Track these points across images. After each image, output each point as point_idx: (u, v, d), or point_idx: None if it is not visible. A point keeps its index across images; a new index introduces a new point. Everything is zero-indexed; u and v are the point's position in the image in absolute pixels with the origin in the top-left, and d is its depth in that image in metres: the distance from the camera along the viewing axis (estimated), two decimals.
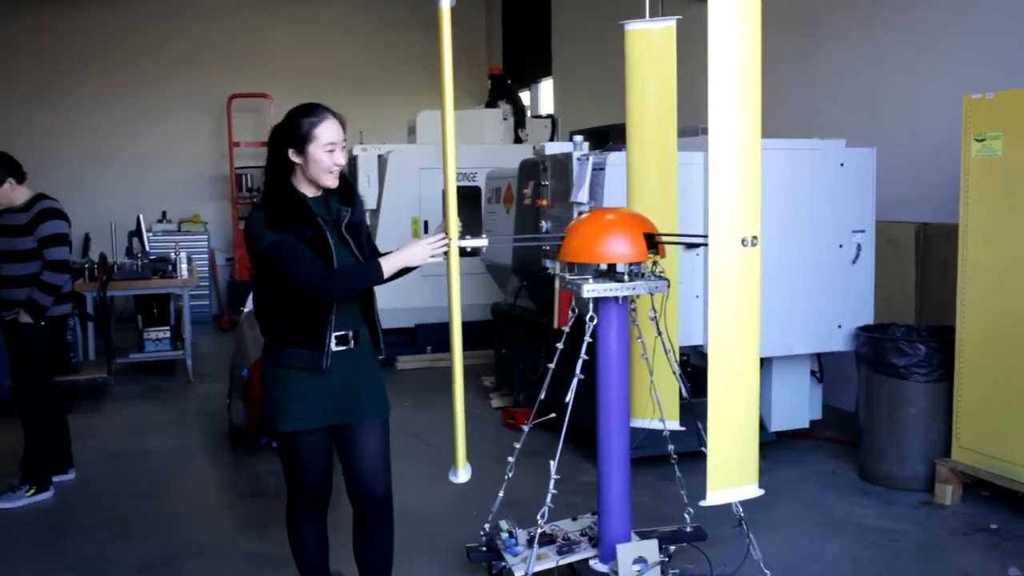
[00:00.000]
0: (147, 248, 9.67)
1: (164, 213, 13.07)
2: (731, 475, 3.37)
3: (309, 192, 3.44)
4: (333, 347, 3.40)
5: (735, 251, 3.26)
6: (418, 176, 9.45)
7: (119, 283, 8.81)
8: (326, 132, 3.36)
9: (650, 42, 4.22)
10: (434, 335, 9.32)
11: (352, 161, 9.46)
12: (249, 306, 7.61)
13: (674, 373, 3.99)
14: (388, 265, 3.39)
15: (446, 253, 3.43)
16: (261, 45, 13.74)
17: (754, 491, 3.44)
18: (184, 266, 9.22)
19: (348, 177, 3.54)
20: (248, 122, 13.51)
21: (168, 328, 9.20)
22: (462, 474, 3.66)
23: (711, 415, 3.29)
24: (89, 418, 7.59)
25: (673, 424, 4.25)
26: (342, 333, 3.45)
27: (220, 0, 13.67)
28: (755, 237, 3.28)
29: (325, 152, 3.36)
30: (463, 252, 3.49)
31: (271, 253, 3.30)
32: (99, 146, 13.20)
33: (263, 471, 6.18)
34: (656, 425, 4.18)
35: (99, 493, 5.79)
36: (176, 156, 13.56)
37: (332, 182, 3.43)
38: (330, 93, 14.03)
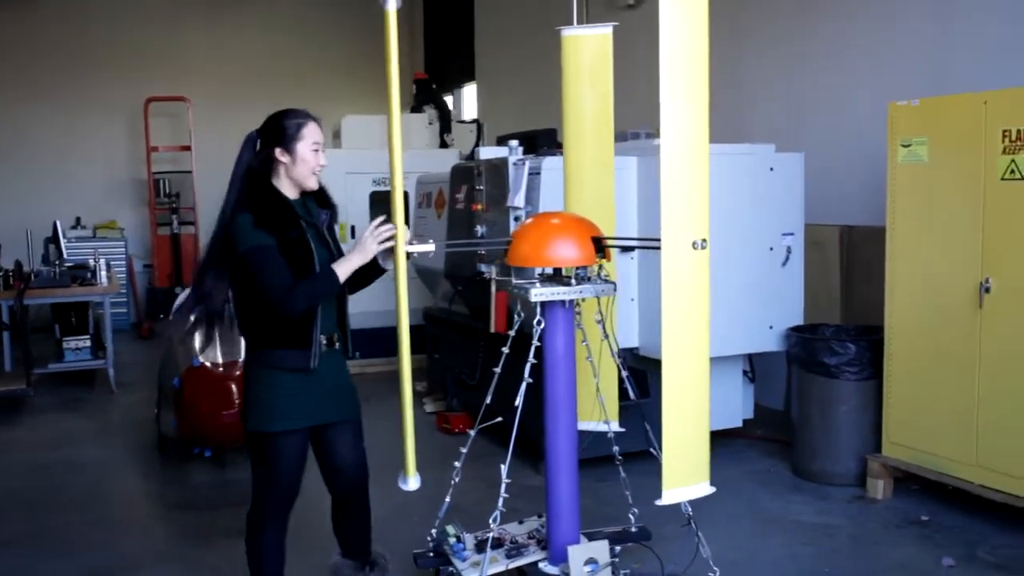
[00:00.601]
0: (64, 255, 9.40)
1: (79, 219, 12.72)
2: (684, 474, 3.40)
3: (290, 195, 3.53)
4: (322, 348, 3.50)
5: (687, 254, 3.30)
6: (344, 180, 9.35)
7: (37, 291, 8.55)
8: (312, 132, 3.51)
9: (586, 48, 4.24)
10: (362, 341, 9.20)
11: None
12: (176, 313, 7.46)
13: (621, 375, 4.02)
14: (343, 270, 3.42)
15: (393, 239, 3.42)
16: (180, 48, 13.48)
17: (707, 488, 3.49)
18: (104, 273, 9.00)
19: (322, 182, 3.64)
20: (166, 126, 13.25)
21: (88, 337, 8.95)
22: (412, 481, 3.63)
23: (666, 416, 3.32)
24: (8, 431, 7.36)
25: (616, 426, 4.28)
26: (327, 335, 3.55)
27: (137, 1, 13.37)
28: (704, 240, 3.33)
29: (311, 151, 3.49)
30: (409, 256, 3.49)
31: (251, 256, 3.35)
32: (11, 150, 12.80)
33: (195, 482, 6.06)
34: (601, 428, 4.21)
35: (22, 507, 5.62)
36: (92, 160, 13.21)
37: (314, 183, 3.54)
38: (251, 97, 13.94)
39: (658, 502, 3.36)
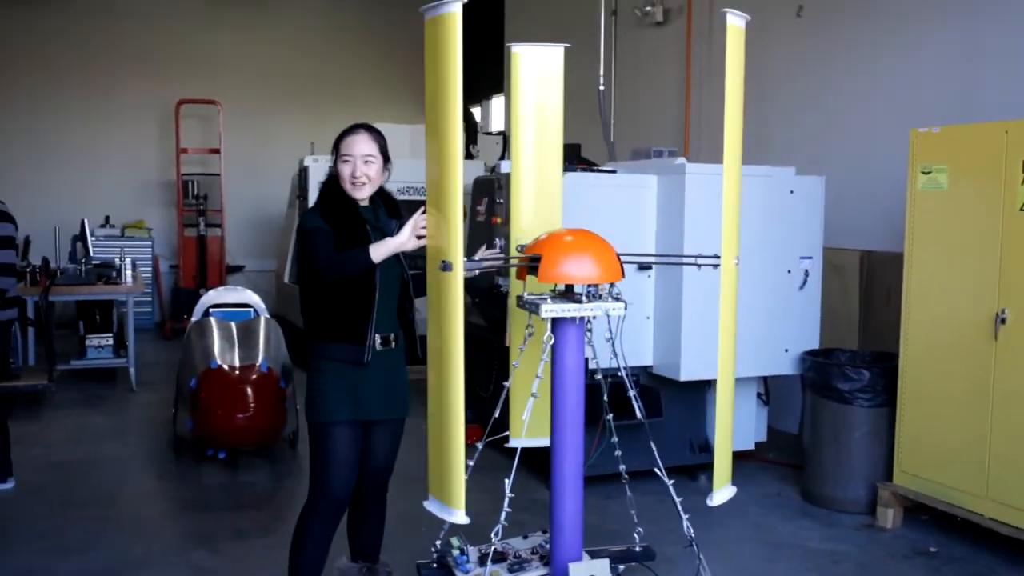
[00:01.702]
0: (91, 253, 9.51)
1: (107, 218, 12.85)
2: (724, 476, 3.68)
3: (359, 201, 3.75)
4: (377, 345, 3.68)
5: (734, 270, 3.41)
6: None
7: (62, 288, 8.65)
8: (346, 145, 3.72)
9: (537, 65, 4.27)
10: None
11: (303, 172, 9.41)
12: (197, 315, 7.54)
13: (629, 394, 4.02)
14: (377, 251, 3.51)
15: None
16: (212, 52, 13.62)
17: (733, 490, 3.78)
18: (129, 272, 9.09)
19: (388, 191, 3.89)
20: (196, 128, 13.37)
21: (111, 335, 9.06)
22: (459, 515, 3.56)
23: (719, 424, 3.61)
24: (28, 425, 7.44)
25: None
26: (384, 334, 3.73)
27: (171, 5, 13.53)
28: (738, 257, 3.44)
29: (341, 163, 3.71)
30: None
31: (310, 235, 3.59)
32: (44, 148, 12.97)
33: (208, 483, 6.11)
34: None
35: (39, 503, 5.68)
36: (122, 160, 13.36)
37: (355, 192, 3.71)
38: (280, 103, 14.01)
39: (711, 502, 3.63)
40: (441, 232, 3.23)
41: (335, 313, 3.66)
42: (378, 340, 3.70)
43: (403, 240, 3.51)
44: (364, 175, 3.70)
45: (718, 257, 3.40)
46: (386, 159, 3.80)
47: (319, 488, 3.76)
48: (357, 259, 3.56)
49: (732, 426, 3.71)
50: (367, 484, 3.92)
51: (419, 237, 3.50)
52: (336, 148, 3.77)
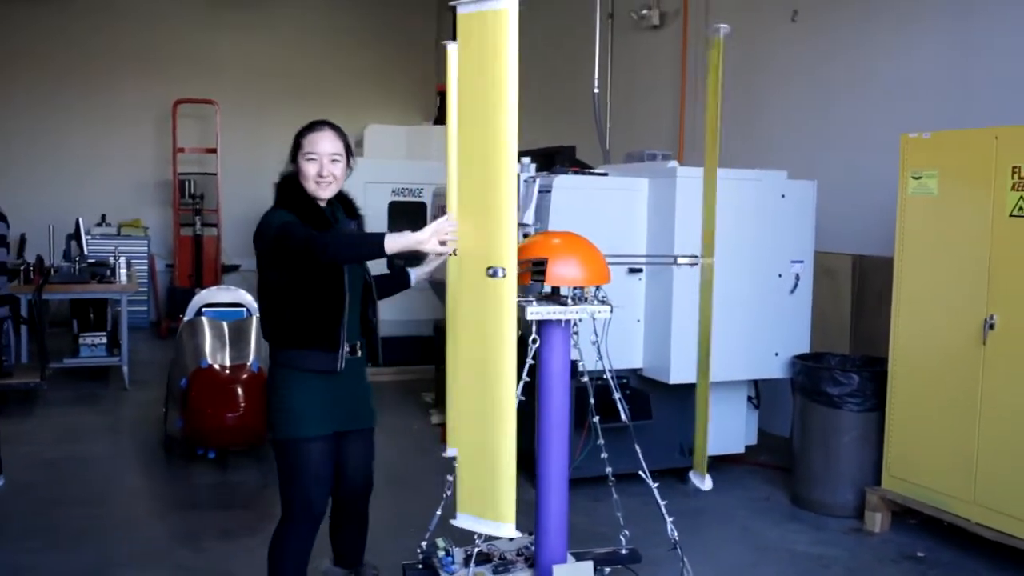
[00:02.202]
0: (85, 251, 9.51)
1: (104, 216, 12.85)
2: (480, 505, 3.41)
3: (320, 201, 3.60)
4: (346, 351, 3.51)
5: (481, 282, 3.17)
6: (364, 190, 9.42)
7: (56, 286, 8.66)
8: (309, 142, 3.55)
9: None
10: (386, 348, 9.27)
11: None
12: (189, 314, 7.54)
13: (614, 397, 4.03)
14: (393, 242, 3.24)
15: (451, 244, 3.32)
16: (209, 51, 13.60)
17: (509, 531, 3.44)
18: (123, 271, 9.08)
19: (345, 192, 3.72)
20: (193, 128, 13.36)
21: (104, 334, 9.04)
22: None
23: (460, 440, 3.39)
24: (20, 423, 7.43)
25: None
26: (351, 341, 3.57)
27: (170, 5, 13.52)
28: (504, 269, 3.15)
29: (306, 161, 3.53)
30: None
31: (282, 230, 3.39)
32: (41, 147, 12.95)
33: (198, 482, 6.11)
34: None
35: (29, 501, 5.67)
36: (119, 159, 13.33)
37: (320, 191, 3.56)
38: (276, 103, 14.01)
39: (452, 521, 3.44)
40: (488, 237, 3.08)
41: (304, 320, 3.48)
42: (346, 348, 3.53)
43: (423, 239, 3.22)
44: (331, 174, 3.55)
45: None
46: (349, 157, 3.65)
47: (294, 507, 3.59)
48: (370, 243, 3.34)
49: (500, 463, 3.32)
50: (348, 498, 3.83)
51: (442, 243, 3.26)
52: (298, 144, 3.58)
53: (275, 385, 3.56)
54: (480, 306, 3.13)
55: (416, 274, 3.94)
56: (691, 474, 4.23)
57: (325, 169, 3.54)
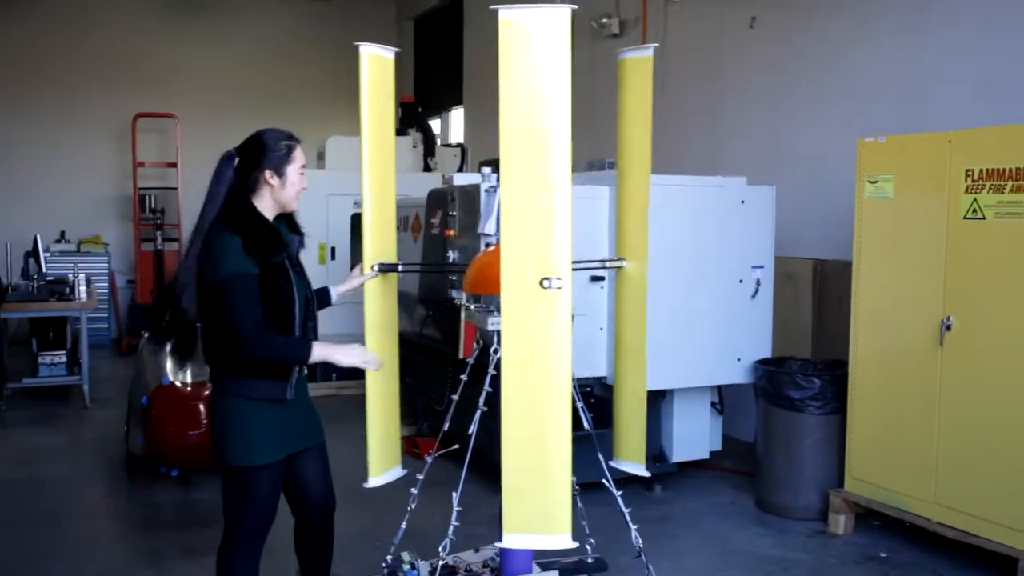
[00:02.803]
0: (44, 269, 9.39)
1: (63, 233, 12.71)
2: (531, 521, 3.23)
3: (268, 217, 3.47)
4: (295, 377, 3.47)
5: (531, 292, 3.10)
6: (326, 202, 9.40)
7: (13, 305, 8.54)
8: (301, 155, 3.52)
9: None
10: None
11: None
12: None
13: (577, 406, 4.02)
14: (319, 352, 3.38)
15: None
16: (169, 65, 13.50)
17: (565, 542, 3.24)
18: (83, 288, 8.98)
19: None
20: (153, 142, 13.26)
21: (64, 352, 8.93)
22: (371, 480, 3.72)
23: (504, 457, 3.24)
24: None
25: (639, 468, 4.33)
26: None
27: (129, 18, 13.40)
28: (559, 278, 3.07)
29: (299, 175, 3.49)
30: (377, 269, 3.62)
31: (231, 283, 3.26)
32: None
33: (160, 501, 6.04)
34: None
35: None
36: (78, 175, 13.17)
37: (295, 206, 3.53)
38: (237, 116, 13.93)
39: (498, 544, 3.33)
40: (541, 247, 3.03)
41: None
42: (296, 370, 3.47)
43: (346, 362, 3.46)
44: (305, 188, 3.55)
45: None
46: None
47: (241, 531, 3.51)
48: (295, 353, 3.38)
49: (555, 473, 3.19)
50: (314, 515, 3.76)
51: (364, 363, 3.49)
52: (289, 157, 3.46)
53: (224, 413, 3.44)
54: (532, 317, 3.07)
55: (336, 292, 3.89)
56: (620, 463, 4.21)
57: (305, 182, 3.54)
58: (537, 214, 3.07)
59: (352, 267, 3.87)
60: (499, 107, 3.07)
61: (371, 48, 3.84)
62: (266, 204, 3.47)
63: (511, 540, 3.22)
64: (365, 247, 3.73)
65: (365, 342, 3.64)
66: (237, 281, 3.26)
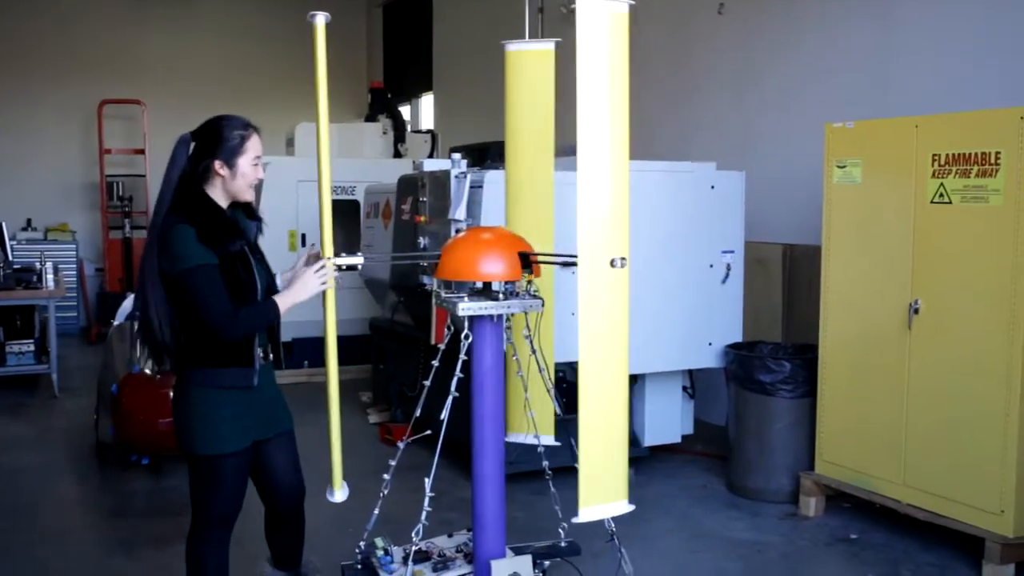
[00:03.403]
0: (10, 257, 9.29)
1: (29, 221, 12.59)
2: (603, 491, 3.41)
3: (222, 204, 3.42)
4: (260, 362, 3.43)
5: (603, 272, 3.31)
6: (296, 188, 9.34)
7: None
8: (255, 145, 3.42)
9: (529, 63, 4.27)
10: (311, 350, 9.20)
11: None
12: (119, 319, 7.41)
13: (548, 391, 4.04)
14: (284, 302, 3.39)
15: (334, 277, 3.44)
16: (135, 51, 13.37)
17: (624, 507, 3.49)
18: (50, 276, 8.88)
19: None
20: (120, 129, 13.13)
21: (32, 341, 8.85)
22: (339, 494, 3.67)
23: (582, 433, 3.32)
24: None
25: (548, 439, 4.31)
26: (263, 347, 3.48)
27: (94, 2, 13.25)
28: (623, 258, 3.35)
29: (252, 166, 3.39)
30: (339, 268, 3.49)
31: (193, 276, 3.23)
32: None
33: (131, 489, 6.01)
34: (531, 440, 4.23)
35: None
36: (43, 162, 13.03)
37: (251, 196, 3.46)
38: (206, 102, 13.76)
39: (575, 520, 3.37)
40: (610, 229, 3.27)
41: (215, 338, 3.32)
42: (260, 356, 3.45)
43: (311, 292, 3.40)
44: (260, 178, 3.47)
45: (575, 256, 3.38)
46: None
47: (209, 519, 3.50)
48: (266, 316, 3.38)
49: (620, 434, 3.44)
50: (284, 503, 3.74)
51: (325, 283, 3.40)
52: (241, 148, 3.38)
53: (188, 402, 3.41)
54: (605, 295, 3.29)
55: (281, 278, 3.79)
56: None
57: (261, 173, 3.46)
58: (607, 198, 3.32)
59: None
60: (577, 96, 3.26)
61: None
62: (218, 193, 3.42)
63: (587, 513, 3.36)
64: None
65: None
66: (197, 272, 3.24)
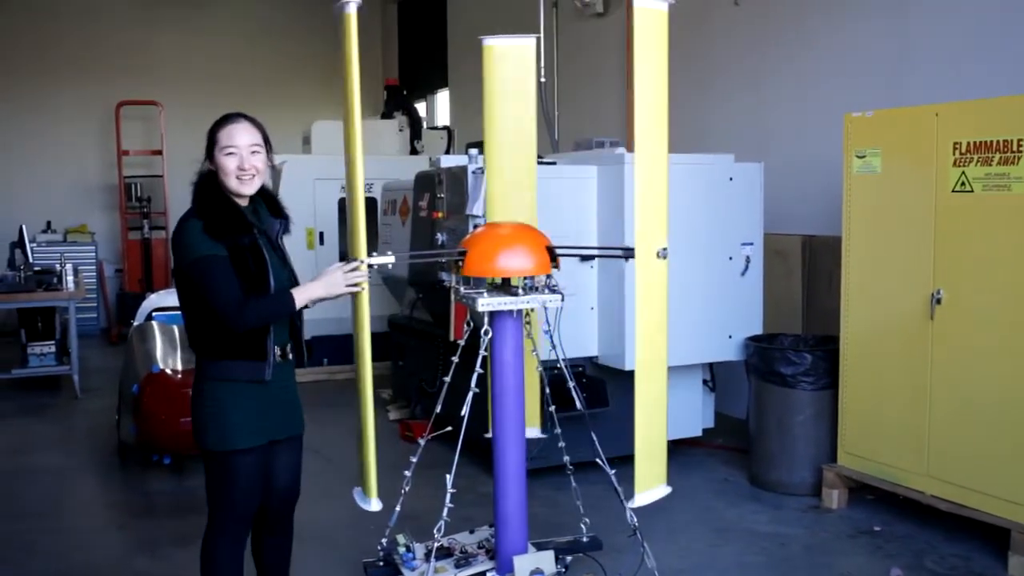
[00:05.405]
0: (31, 259, 9.35)
1: (49, 223, 12.66)
2: (654, 476, 3.65)
3: (240, 201, 3.40)
4: (276, 359, 3.38)
5: (653, 263, 3.41)
6: (313, 186, 9.36)
7: (1, 296, 8.50)
8: (225, 136, 3.34)
9: (508, 59, 4.34)
10: (331, 347, 9.23)
11: None
12: (139, 319, 7.45)
13: (569, 386, 4.02)
14: (302, 296, 3.34)
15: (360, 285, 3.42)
16: (152, 52, 13.43)
17: (666, 489, 3.76)
18: (70, 278, 8.93)
19: (267, 187, 3.52)
20: (138, 130, 13.19)
21: (53, 342, 8.90)
22: (374, 503, 3.66)
23: (639, 423, 3.51)
24: None
25: (534, 432, 4.34)
26: (280, 345, 3.43)
27: (109, 4, 13.31)
28: (665, 249, 3.45)
29: (224, 156, 3.33)
30: (370, 267, 3.48)
31: (199, 267, 3.23)
32: None
33: (154, 489, 6.03)
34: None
35: None
36: (62, 164, 13.13)
37: (242, 188, 3.36)
38: (223, 102, 13.80)
39: (631, 504, 3.59)
40: (656, 223, 3.45)
41: (229, 331, 3.29)
42: (276, 353, 3.40)
43: (335, 291, 3.37)
44: (252, 167, 3.35)
45: (631, 250, 3.39)
46: (269, 148, 3.48)
47: (225, 514, 3.46)
48: (280, 306, 3.33)
49: (663, 421, 3.67)
50: (273, 508, 3.61)
51: (351, 285, 3.37)
52: (214, 140, 3.36)
53: (204, 397, 3.39)
54: (654, 285, 3.50)
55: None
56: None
57: (246, 162, 3.34)
58: (657, 191, 3.50)
59: (342, 257, 3.80)
60: (634, 93, 3.51)
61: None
62: (227, 189, 3.40)
63: (642, 498, 3.62)
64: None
65: None
66: (203, 264, 3.23)
